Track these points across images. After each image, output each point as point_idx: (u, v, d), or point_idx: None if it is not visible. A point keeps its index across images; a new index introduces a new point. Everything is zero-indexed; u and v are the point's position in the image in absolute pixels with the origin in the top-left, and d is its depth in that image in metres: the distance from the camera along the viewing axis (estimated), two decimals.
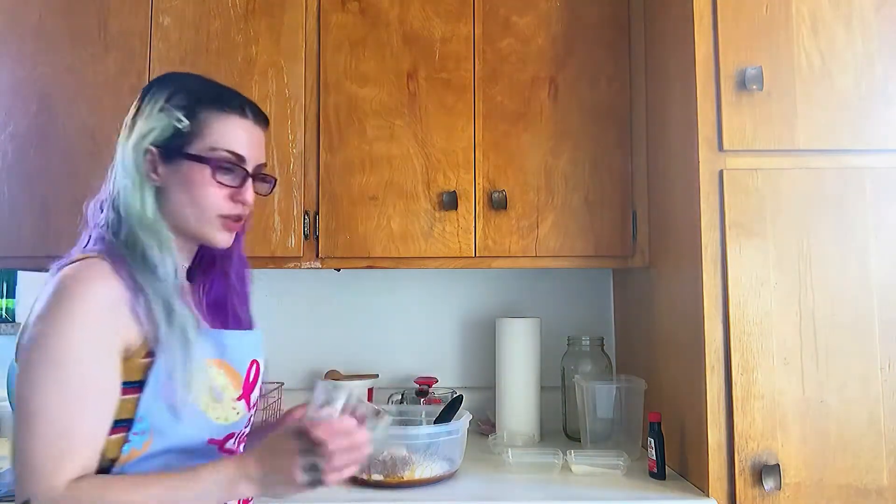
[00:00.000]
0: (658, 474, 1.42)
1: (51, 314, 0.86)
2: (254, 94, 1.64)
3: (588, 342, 1.81)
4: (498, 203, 1.63)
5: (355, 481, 1.39)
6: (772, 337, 1.31)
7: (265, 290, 1.99)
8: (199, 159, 0.97)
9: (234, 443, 1.00)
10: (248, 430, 1.05)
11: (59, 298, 0.86)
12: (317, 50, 1.68)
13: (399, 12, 1.68)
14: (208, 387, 0.94)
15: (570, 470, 1.46)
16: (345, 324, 1.99)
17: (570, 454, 1.48)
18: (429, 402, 1.78)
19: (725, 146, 1.35)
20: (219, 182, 0.97)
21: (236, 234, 1.05)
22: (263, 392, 1.06)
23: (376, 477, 1.37)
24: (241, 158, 0.99)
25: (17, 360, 0.88)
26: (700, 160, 1.36)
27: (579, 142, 1.66)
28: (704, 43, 1.37)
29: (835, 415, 1.29)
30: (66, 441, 0.84)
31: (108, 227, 0.96)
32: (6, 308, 2.04)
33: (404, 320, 2.00)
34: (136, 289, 0.90)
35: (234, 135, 0.99)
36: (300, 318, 1.98)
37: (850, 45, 1.35)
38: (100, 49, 1.66)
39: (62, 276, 0.88)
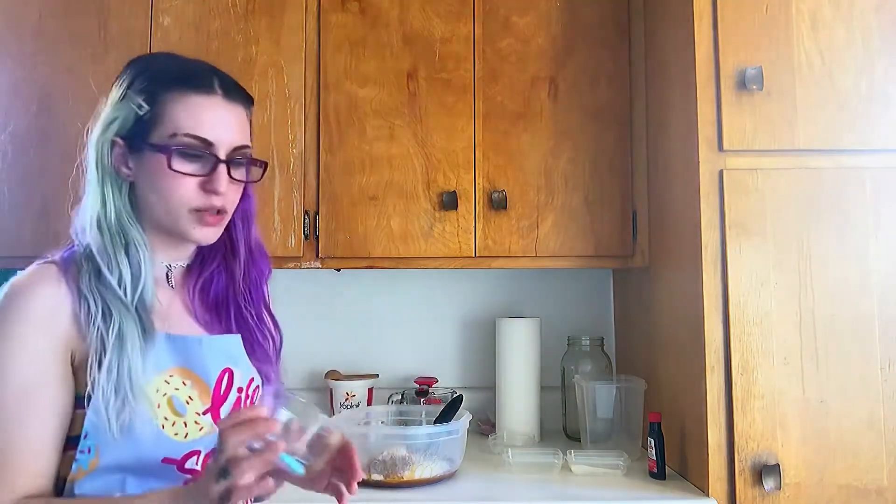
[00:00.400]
0: (658, 474, 1.42)
1: None
2: (254, 94, 1.61)
3: (588, 342, 1.81)
4: (498, 203, 1.63)
5: None
6: (772, 337, 1.31)
7: None
8: (158, 148, 0.86)
9: (200, 463, 0.88)
10: None
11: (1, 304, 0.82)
12: (317, 50, 1.68)
13: (399, 12, 1.68)
14: (166, 399, 0.86)
15: (570, 470, 1.46)
16: (345, 324, 1.99)
17: (570, 454, 1.48)
18: (429, 402, 1.78)
19: (725, 146, 1.35)
20: (177, 171, 0.86)
21: (238, 225, 0.98)
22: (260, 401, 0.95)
23: (376, 477, 1.37)
24: (206, 143, 0.88)
25: None
26: (700, 160, 1.36)
27: (579, 142, 1.66)
28: (704, 43, 1.37)
29: (835, 415, 1.29)
30: (4, 457, 0.79)
31: (77, 235, 0.90)
32: None
33: (404, 320, 2.00)
34: (80, 295, 0.84)
35: (196, 116, 0.88)
36: (300, 318, 1.98)
37: (850, 45, 1.35)
38: (100, 49, 1.66)
39: (7, 285, 0.84)
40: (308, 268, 1.64)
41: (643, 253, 1.65)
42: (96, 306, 0.83)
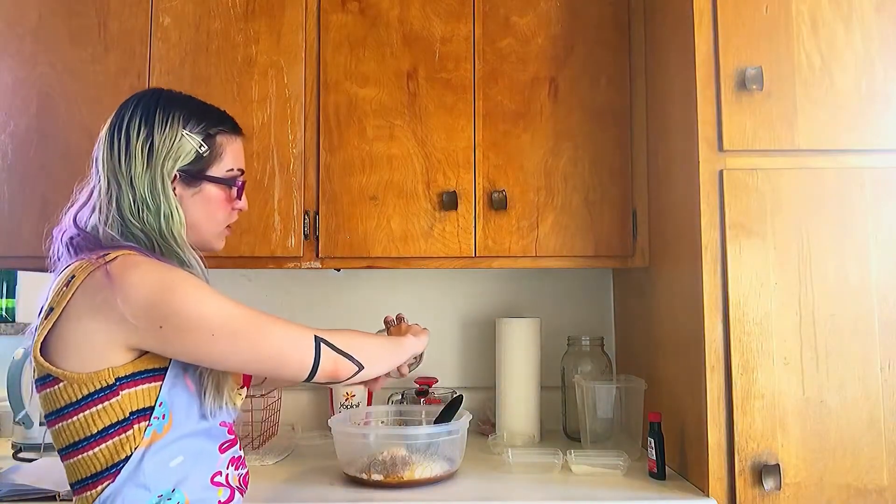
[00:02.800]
0: (658, 474, 1.42)
1: (157, 279, 0.95)
2: (254, 94, 1.64)
3: (588, 342, 1.81)
4: (498, 203, 1.63)
5: (355, 481, 1.39)
6: (772, 337, 1.31)
7: (265, 289, 1.99)
8: (222, 181, 1.10)
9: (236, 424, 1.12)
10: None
11: (147, 271, 0.95)
12: (317, 50, 1.68)
13: (399, 12, 1.68)
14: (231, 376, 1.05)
15: (570, 470, 1.46)
16: (345, 324, 1.98)
17: (570, 454, 1.48)
18: (429, 402, 1.78)
19: (725, 146, 1.34)
20: (236, 199, 1.13)
21: None
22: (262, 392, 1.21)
23: (376, 477, 1.37)
24: (243, 172, 1.15)
25: (161, 329, 0.94)
26: (700, 160, 1.35)
27: (579, 142, 1.66)
28: (704, 43, 1.37)
29: (835, 415, 1.29)
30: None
31: (124, 238, 1.01)
32: (6, 308, 2.04)
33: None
34: None
35: (238, 155, 1.14)
36: (300, 319, 1.95)
37: (850, 45, 1.35)
38: (100, 49, 1.66)
39: (122, 270, 0.94)
40: (308, 268, 1.64)
41: (643, 253, 1.65)
42: None
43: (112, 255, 0.96)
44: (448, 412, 1.54)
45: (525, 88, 1.67)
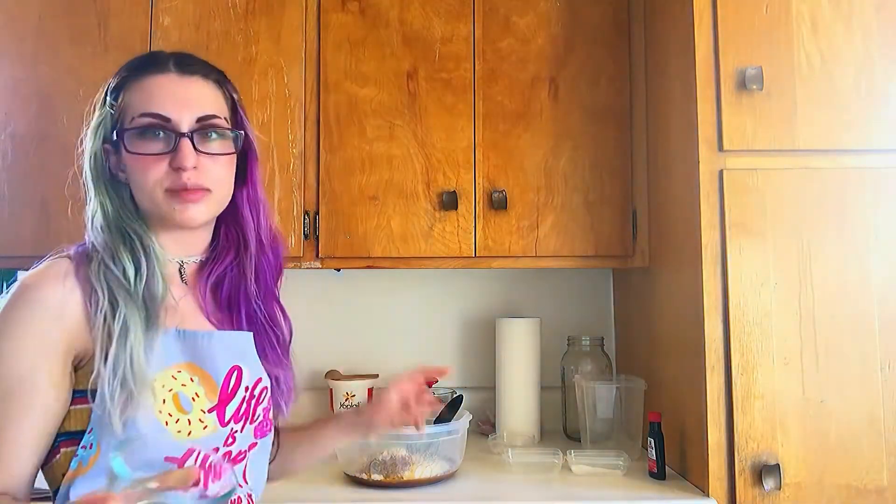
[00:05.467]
0: (658, 474, 1.42)
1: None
2: (254, 94, 1.64)
3: (588, 342, 1.81)
4: (498, 203, 1.63)
5: (355, 481, 1.39)
6: (772, 337, 1.31)
7: None
8: (120, 135, 0.87)
9: (199, 460, 0.84)
10: (237, 450, 0.90)
11: (7, 302, 0.81)
12: (317, 50, 1.68)
13: (399, 12, 1.68)
14: (172, 395, 0.84)
15: (570, 470, 1.46)
16: (345, 324, 1.99)
17: (570, 454, 1.48)
18: None
19: (725, 146, 1.34)
20: (135, 153, 0.85)
21: (246, 216, 0.96)
22: (265, 405, 0.95)
23: (376, 477, 1.37)
24: (162, 118, 0.86)
25: None
26: (700, 160, 1.35)
27: (579, 142, 1.66)
28: (704, 43, 1.37)
29: (835, 415, 1.29)
30: None
31: (88, 227, 0.90)
32: None
33: (404, 320, 2.00)
34: (92, 290, 0.83)
35: (149, 95, 0.87)
36: (300, 318, 1.94)
37: (850, 45, 1.35)
38: (100, 49, 1.66)
39: (22, 278, 0.84)
40: (308, 268, 1.64)
41: (643, 253, 1.65)
42: (103, 296, 0.82)
43: (40, 263, 0.86)
44: (448, 412, 1.54)
45: (525, 88, 1.67)
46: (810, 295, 1.32)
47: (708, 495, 1.30)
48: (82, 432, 0.81)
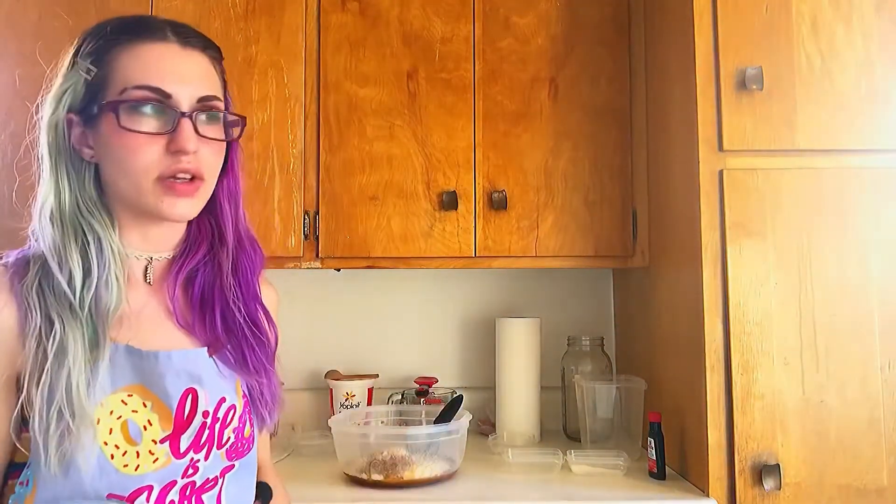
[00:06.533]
0: (658, 474, 1.42)
1: None
2: (254, 95, 1.64)
3: (588, 342, 1.81)
4: (498, 203, 1.63)
5: (355, 481, 1.39)
6: (772, 337, 1.31)
7: None
8: (108, 107, 0.75)
9: (154, 499, 0.76)
10: (203, 478, 0.80)
11: None
12: (317, 50, 1.68)
13: (399, 12, 1.68)
14: (120, 423, 0.74)
15: (570, 470, 1.46)
16: (345, 324, 1.99)
17: (570, 454, 1.48)
18: (429, 402, 1.78)
19: (725, 146, 1.34)
20: (129, 129, 0.74)
21: (224, 208, 0.86)
22: (235, 425, 0.84)
23: (376, 477, 1.37)
24: (162, 94, 0.76)
25: None
26: (700, 160, 1.35)
27: (579, 142, 1.66)
28: (704, 43, 1.37)
29: (835, 415, 1.29)
30: None
31: (33, 231, 0.80)
32: None
33: (404, 320, 2.00)
34: (28, 306, 0.73)
35: (147, 65, 0.76)
36: (300, 318, 1.98)
37: (850, 45, 1.35)
38: None
39: None
40: (308, 268, 1.65)
41: (643, 253, 1.65)
42: (37, 312, 0.72)
43: None
44: (448, 412, 1.54)
45: (525, 88, 1.67)
46: (810, 295, 1.32)
47: (708, 495, 1.30)
48: (22, 465, 0.73)
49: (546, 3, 1.69)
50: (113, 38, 0.77)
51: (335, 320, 1.99)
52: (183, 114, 0.76)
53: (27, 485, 0.72)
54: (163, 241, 0.85)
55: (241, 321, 0.86)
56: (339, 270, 1.92)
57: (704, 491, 1.32)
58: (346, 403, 1.82)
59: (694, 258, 1.36)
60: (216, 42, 1.66)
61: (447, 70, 1.66)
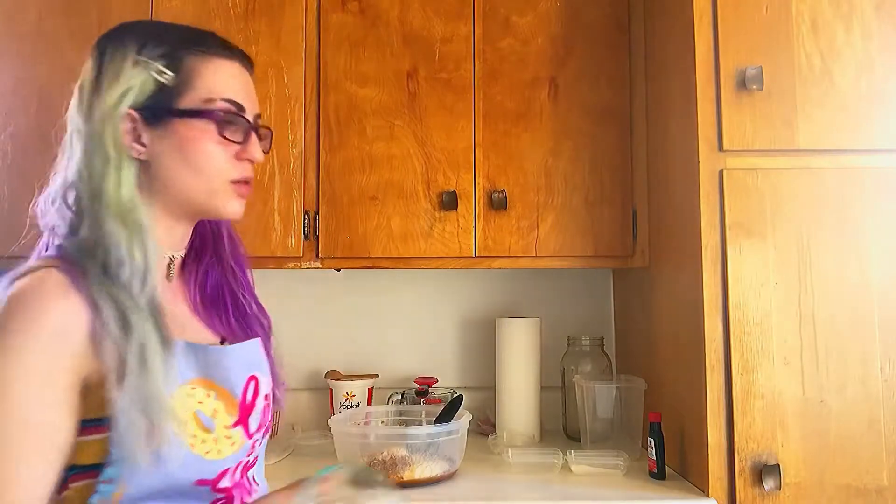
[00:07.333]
0: (658, 474, 1.42)
1: None
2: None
3: (588, 342, 1.81)
4: (498, 203, 1.63)
5: None
6: (772, 337, 1.31)
7: (265, 290, 1.98)
8: (198, 114, 0.80)
9: (231, 479, 0.83)
10: (253, 457, 0.88)
11: (1, 325, 0.71)
12: (317, 50, 1.68)
13: (399, 12, 1.68)
14: (191, 416, 0.78)
15: (570, 470, 1.46)
16: (345, 324, 1.99)
17: (570, 454, 1.48)
18: (429, 402, 1.78)
19: (725, 146, 1.34)
20: (227, 139, 0.82)
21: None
22: (277, 408, 0.94)
23: None
24: (241, 108, 0.84)
25: None
26: (700, 160, 1.35)
27: (579, 142, 1.66)
28: (704, 43, 1.37)
29: (835, 415, 1.29)
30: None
31: (63, 226, 0.80)
32: None
33: (404, 320, 2.00)
34: (97, 306, 0.73)
35: (228, 80, 0.83)
36: (300, 318, 1.98)
37: (850, 45, 1.35)
38: None
39: (9, 296, 0.73)
40: (308, 268, 1.64)
41: (643, 253, 1.65)
42: (108, 313, 0.73)
43: (22, 275, 0.75)
44: (448, 412, 1.54)
45: (525, 88, 1.67)
46: (810, 295, 1.32)
47: (708, 495, 1.30)
48: (95, 465, 0.74)
49: (546, 3, 1.69)
50: (186, 46, 0.82)
51: (335, 320, 1.99)
52: (253, 127, 0.85)
53: (112, 483, 0.74)
54: (183, 239, 0.88)
55: (249, 311, 0.93)
56: (339, 270, 1.92)
57: (704, 491, 1.32)
58: (346, 403, 1.82)
59: (694, 258, 1.36)
60: None
61: (447, 70, 1.67)
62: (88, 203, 0.78)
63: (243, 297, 0.93)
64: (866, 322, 1.31)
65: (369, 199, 1.64)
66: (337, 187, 1.64)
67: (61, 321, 0.72)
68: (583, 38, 1.68)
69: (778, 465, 1.28)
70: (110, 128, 0.78)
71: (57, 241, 0.81)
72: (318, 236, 1.64)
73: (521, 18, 1.68)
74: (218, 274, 0.93)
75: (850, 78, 1.35)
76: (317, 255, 1.64)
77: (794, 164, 1.35)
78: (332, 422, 1.50)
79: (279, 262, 1.64)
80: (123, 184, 0.78)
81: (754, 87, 1.33)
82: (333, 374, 1.89)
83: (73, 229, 0.79)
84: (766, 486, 1.27)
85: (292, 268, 1.65)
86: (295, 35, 1.67)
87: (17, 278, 0.75)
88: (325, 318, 1.99)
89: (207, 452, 0.79)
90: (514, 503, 1.35)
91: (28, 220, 0.88)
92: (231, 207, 0.85)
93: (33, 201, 0.86)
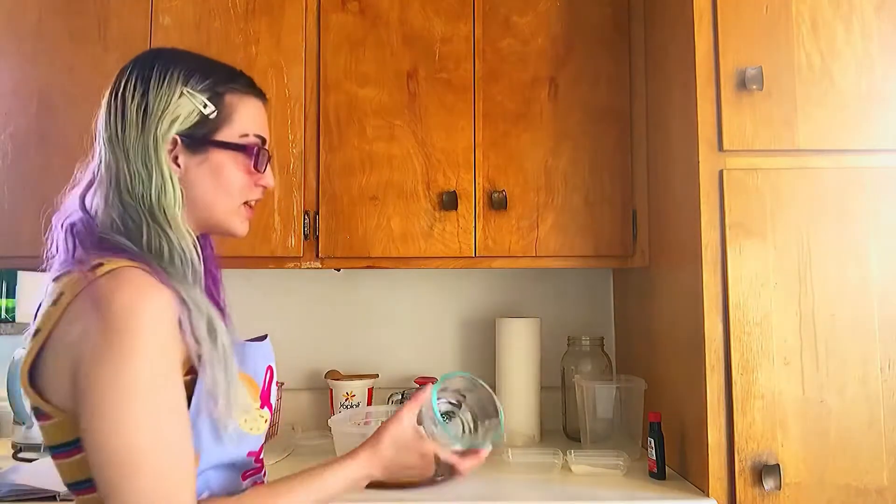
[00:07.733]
0: (658, 474, 1.42)
1: (116, 342, 0.75)
2: None
3: (588, 342, 1.81)
4: (498, 203, 1.63)
5: None
6: (772, 337, 1.31)
7: (265, 290, 1.99)
8: (234, 147, 0.93)
9: (259, 454, 0.98)
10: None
11: (117, 320, 0.76)
12: (317, 50, 1.68)
13: (399, 12, 1.68)
14: (242, 400, 0.89)
15: (570, 470, 1.46)
16: (345, 324, 1.99)
17: (570, 454, 1.48)
18: None
19: (725, 146, 1.35)
20: (258, 170, 0.95)
21: None
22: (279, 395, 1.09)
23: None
24: (265, 142, 0.98)
25: (83, 395, 0.76)
26: (700, 160, 1.36)
27: (579, 142, 1.66)
28: (704, 43, 1.37)
29: (835, 415, 1.29)
30: (178, 471, 0.78)
31: (117, 230, 0.86)
32: (6, 308, 2.04)
33: (404, 320, 2.00)
34: (182, 300, 0.82)
35: (256, 119, 0.97)
36: (300, 318, 1.98)
37: (850, 45, 1.35)
38: (100, 49, 1.66)
39: (108, 292, 0.77)
40: (308, 268, 1.64)
41: (643, 253, 1.65)
42: (197, 313, 0.83)
43: (106, 268, 0.79)
44: None
45: (525, 88, 1.67)
46: (810, 295, 1.32)
47: (708, 495, 1.30)
48: None
49: (546, 3, 1.69)
50: (225, 84, 0.95)
51: (335, 320, 1.99)
52: (270, 159, 0.99)
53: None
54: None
55: (228, 314, 1.02)
56: (339, 270, 1.92)
57: (704, 491, 1.32)
58: (346, 403, 1.82)
59: (694, 258, 1.36)
60: (216, 42, 1.68)
61: (447, 70, 1.67)
62: (148, 214, 0.87)
63: (223, 299, 1.03)
64: (866, 322, 1.31)
65: (369, 199, 1.64)
66: (337, 187, 1.64)
67: (168, 312, 0.80)
68: (583, 39, 1.68)
69: (778, 465, 1.28)
70: (160, 147, 0.89)
71: (106, 245, 0.85)
72: (318, 236, 1.64)
73: (521, 18, 1.68)
74: (209, 279, 1.00)
75: (850, 78, 1.35)
76: (317, 255, 1.64)
77: (794, 164, 1.35)
78: (332, 422, 1.50)
79: (279, 262, 1.64)
80: (177, 199, 0.89)
81: (754, 87, 1.33)
82: (333, 374, 1.89)
83: (130, 235, 0.86)
84: (766, 486, 1.27)
85: (292, 268, 1.65)
86: (295, 35, 1.67)
87: (104, 277, 0.79)
88: (325, 318, 1.99)
89: (251, 429, 0.92)
90: (513, 503, 1.35)
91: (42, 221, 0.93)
92: (242, 227, 0.98)
93: (51, 209, 0.92)
